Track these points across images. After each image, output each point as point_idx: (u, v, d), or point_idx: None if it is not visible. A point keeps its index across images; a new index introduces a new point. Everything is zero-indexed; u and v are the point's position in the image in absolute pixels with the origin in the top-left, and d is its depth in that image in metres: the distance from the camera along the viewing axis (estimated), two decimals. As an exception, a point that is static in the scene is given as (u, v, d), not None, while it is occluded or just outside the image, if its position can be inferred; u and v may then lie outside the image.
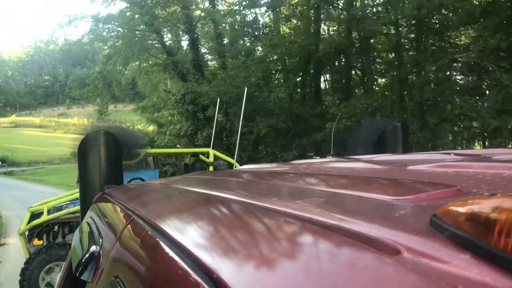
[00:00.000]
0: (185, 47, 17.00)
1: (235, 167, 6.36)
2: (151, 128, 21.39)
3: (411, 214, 0.57)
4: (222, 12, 14.67)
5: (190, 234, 0.71)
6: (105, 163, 2.91)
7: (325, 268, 0.44)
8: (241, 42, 14.55)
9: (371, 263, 0.42)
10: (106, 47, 18.78)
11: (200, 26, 15.42)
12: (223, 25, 14.41)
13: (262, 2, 13.79)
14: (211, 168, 6.72)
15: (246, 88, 7.61)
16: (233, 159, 7.09)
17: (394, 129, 3.82)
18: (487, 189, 0.68)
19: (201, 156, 7.49)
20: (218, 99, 8.23)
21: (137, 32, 15.99)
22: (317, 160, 2.02)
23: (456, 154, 1.38)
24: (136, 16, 15.21)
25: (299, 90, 13.85)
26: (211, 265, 0.49)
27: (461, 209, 0.42)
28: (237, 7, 13.96)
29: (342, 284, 0.39)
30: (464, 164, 0.97)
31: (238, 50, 14.03)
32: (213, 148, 7.33)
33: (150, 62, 18.14)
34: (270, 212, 0.67)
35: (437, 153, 1.50)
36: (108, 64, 17.99)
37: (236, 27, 13.73)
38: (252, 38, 13.91)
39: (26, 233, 6.20)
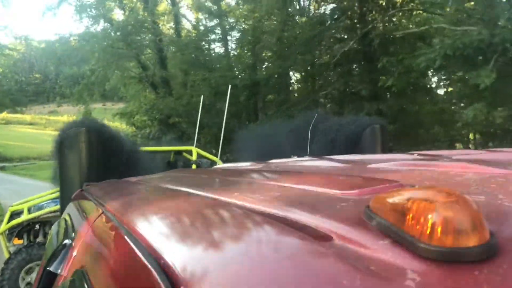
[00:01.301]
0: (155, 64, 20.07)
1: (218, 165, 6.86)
2: (130, 130, 24.45)
3: (351, 206, 0.62)
4: (182, 41, 17.66)
5: (150, 227, 0.72)
6: (86, 160, 3.05)
7: (262, 252, 0.50)
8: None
9: (303, 248, 0.48)
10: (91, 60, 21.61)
11: (166, 49, 18.50)
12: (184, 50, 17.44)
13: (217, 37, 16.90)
14: (194, 166, 6.67)
15: (230, 86, 7.65)
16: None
17: (372, 131, 4.09)
18: (428, 185, 0.77)
19: (184, 154, 7.46)
20: (202, 98, 8.43)
21: (117, 49, 18.91)
22: (293, 159, 2.07)
23: (420, 155, 1.51)
24: (117, 34, 18.16)
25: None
26: (164, 253, 0.54)
27: (387, 200, 0.48)
28: (193, 38, 16.97)
29: (274, 265, 0.44)
30: (418, 163, 1.07)
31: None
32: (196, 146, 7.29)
33: (126, 75, 21.13)
34: (226, 206, 0.74)
35: (403, 153, 1.66)
36: (94, 72, 20.97)
37: (193, 55, 16.71)
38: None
39: (6, 232, 6.17)
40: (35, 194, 17.09)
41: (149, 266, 0.52)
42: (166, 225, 0.71)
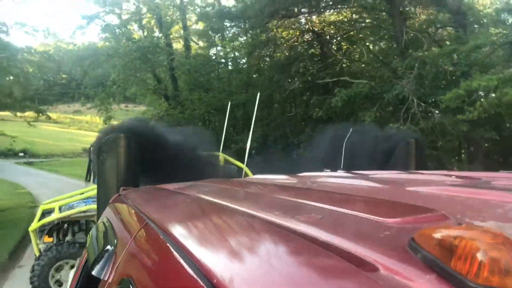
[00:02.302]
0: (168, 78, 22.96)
1: (244, 171, 6.50)
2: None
3: (395, 235, 0.61)
4: (190, 63, 20.41)
5: (197, 241, 0.74)
6: (123, 165, 3.29)
7: (309, 279, 0.49)
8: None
9: (349, 277, 0.47)
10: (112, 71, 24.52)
11: (176, 66, 21.34)
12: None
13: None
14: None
15: (258, 94, 7.61)
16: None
17: (407, 146, 4.12)
18: (470, 216, 0.77)
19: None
20: (229, 104, 8.47)
21: (136, 65, 21.76)
22: (325, 174, 2.04)
23: (457, 177, 1.47)
24: (136, 53, 21.07)
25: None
26: (213, 271, 0.54)
27: (433, 235, 0.47)
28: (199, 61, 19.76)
29: None
30: (458, 190, 1.05)
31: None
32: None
33: (143, 86, 24.04)
34: (271, 226, 0.72)
35: (440, 173, 1.65)
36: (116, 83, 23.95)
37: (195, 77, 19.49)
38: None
39: (37, 230, 6.31)
40: (58, 186, 20.36)
41: (200, 283, 0.54)
42: (217, 244, 0.71)
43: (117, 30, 22.61)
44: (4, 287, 6.89)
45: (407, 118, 10.44)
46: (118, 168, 3.25)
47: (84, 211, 6.19)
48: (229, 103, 8.50)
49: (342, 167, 2.68)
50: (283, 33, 15.87)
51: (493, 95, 8.92)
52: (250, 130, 6.74)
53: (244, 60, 17.61)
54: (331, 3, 15.15)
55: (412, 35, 12.48)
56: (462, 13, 11.10)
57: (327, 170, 2.22)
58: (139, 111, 31.12)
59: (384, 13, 14.42)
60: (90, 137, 56.94)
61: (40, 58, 25.20)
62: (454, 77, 10.41)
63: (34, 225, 6.28)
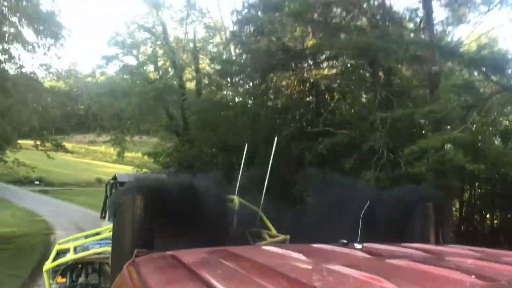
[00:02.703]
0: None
1: (259, 215, 6.48)
2: (155, 166, 28.80)
3: None
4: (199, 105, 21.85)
5: None
6: (139, 227, 3.26)
7: None
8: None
9: None
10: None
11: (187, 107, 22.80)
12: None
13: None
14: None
15: (276, 138, 7.64)
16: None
17: (423, 211, 3.70)
18: None
19: None
20: (246, 147, 8.24)
21: (150, 102, 23.25)
22: (344, 247, 1.90)
23: (493, 257, 1.48)
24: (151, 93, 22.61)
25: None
26: None
27: None
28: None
29: None
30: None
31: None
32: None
33: (156, 123, 25.47)
34: None
35: (471, 250, 1.64)
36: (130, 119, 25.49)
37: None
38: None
39: (51, 270, 6.25)
40: (72, 215, 21.47)
41: None
42: None
43: (134, 71, 24.29)
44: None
45: (378, 167, 11.67)
46: (133, 229, 3.22)
47: (99, 253, 6.16)
48: (246, 145, 8.32)
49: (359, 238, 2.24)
50: (282, 82, 17.51)
51: (438, 153, 10.34)
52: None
53: (249, 104, 19.02)
54: (323, 59, 16.96)
55: (389, 92, 13.92)
56: (434, 74, 12.52)
57: (343, 240, 2.11)
58: (152, 143, 32.55)
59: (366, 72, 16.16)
60: (104, 168, 58.67)
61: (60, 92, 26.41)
62: (423, 131, 11.86)
63: (49, 265, 6.25)
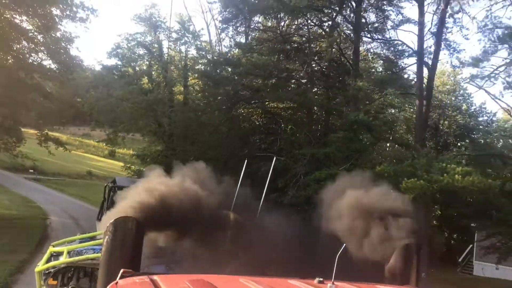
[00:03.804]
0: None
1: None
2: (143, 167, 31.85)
3: None
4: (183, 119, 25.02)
5: None
6: (128, 247, 3.37)
7: None
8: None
9: None
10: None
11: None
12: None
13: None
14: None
15: (274, 158, 7.84)
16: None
17: (407, 251, 3.64)
18: None
19: None
20: (246, 162, 8.12)
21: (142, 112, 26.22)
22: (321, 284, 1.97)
23: None
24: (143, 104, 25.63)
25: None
26: None
27: None
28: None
29: None
30: None
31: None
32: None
33: (146, 128, 28.42)
34: None
35: None
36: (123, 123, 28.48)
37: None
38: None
39: (43, 271, 6.33)
40: (63, 204, 24.58)
41: None
42: None
43: (130, 81, 27.42)
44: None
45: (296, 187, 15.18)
46: (122, 249, 3.29)
47: (92, 259, 6.19)
48: (246, 160, 8.11)
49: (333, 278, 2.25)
50: (247, 111, 21.13)
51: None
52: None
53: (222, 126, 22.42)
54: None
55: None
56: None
57: (320, 279, 2.16)
58: (144, 140, 34.81)
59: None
60: (95, 161, 61.02)
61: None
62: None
63: (41, 266, 6.32)
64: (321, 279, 2.19)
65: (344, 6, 20.99)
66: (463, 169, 12.94)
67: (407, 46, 22.23)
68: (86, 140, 76.85)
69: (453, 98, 32.61)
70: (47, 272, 6.35)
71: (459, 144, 31.58)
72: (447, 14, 20.06)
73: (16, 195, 29.18)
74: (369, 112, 18.64)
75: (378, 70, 25.01)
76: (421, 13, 20.07)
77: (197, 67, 27.32)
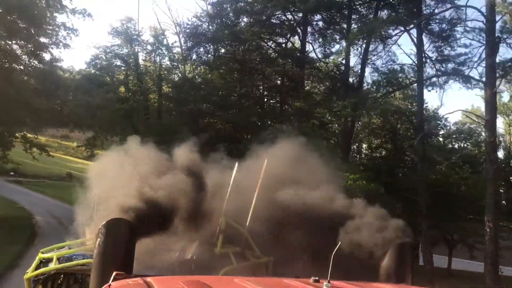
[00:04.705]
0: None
1: (244, 235, 6.23)
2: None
3: None
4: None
5: None
6: (121, 250, 3.41)
7: None
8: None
9: None
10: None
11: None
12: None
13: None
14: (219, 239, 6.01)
15: (266, 160, 6.81)
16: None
17: (401, 249, 3.73)
18: None
19: None
20: (236, 166, 7.14)
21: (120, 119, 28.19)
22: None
23: None
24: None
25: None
26: None
27: None
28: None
29: None
30: None
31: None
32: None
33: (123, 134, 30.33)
34: None
35: None
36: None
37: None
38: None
39: (32, 278, 6.20)
40: (46, 206, 26.55)
41: None
42: None
43: (108, 90, 29.43)
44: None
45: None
46: (114, 251, 3.29)
47: (82, 265, 6.09)
48: (236, 164, 7.13)
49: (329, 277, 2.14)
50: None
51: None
52: None
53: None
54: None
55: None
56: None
57: (316, 278, 2.18)
58: (122, 143, 36.12)
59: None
60: (74, 163, 61.83)
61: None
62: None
63: (30, 273, 6.26)
64: (317, 278, 2.20)
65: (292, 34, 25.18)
66: (354, 176, 16.22)
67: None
68: (65, 142, 76.57)
69: (408, 105, 35.28)
70: (36, 279, 6.29)
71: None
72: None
73: (0, 197, 30.58)
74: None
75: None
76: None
77: (170, 77, 29.52)
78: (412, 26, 22.45)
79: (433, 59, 24.42)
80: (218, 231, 6.20)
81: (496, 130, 22.87)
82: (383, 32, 23.61)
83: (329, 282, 2.03)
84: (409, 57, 25.27)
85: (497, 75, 20.20)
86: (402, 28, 23.31)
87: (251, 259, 6.14)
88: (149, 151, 6.51)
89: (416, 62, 23.34)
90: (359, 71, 26.46)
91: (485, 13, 19.42)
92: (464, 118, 41.46)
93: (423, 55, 23.47)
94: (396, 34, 24.69)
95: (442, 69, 24.41)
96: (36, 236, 16.20)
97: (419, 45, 22.67)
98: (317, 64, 26.73)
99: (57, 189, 41.45)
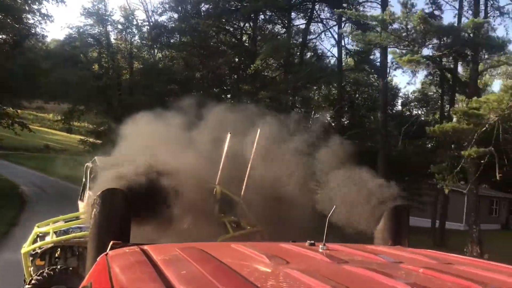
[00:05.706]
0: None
1: (240, 206, 6.44)
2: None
3: None
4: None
5: None
6: (116, 219, 3.38)
7: None
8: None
9: None
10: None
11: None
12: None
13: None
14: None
15: (229, 134, 6.99)
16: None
17: (398, 211, 3.88)
18: None
19: None
20: (229, 135, 7.32)
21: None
22: (312, 247, 2.05)
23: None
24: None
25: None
26: None
27: None
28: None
29: None
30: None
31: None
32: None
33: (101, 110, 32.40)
34: None
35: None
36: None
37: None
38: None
39: (29, 252, 6.29)
40: (28, 177, 28.98)
41: None
42: None
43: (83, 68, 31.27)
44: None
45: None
46: (111, 221, 3.28)
47: (79, 237, 6.09)
48: (229, 134, 7.29)
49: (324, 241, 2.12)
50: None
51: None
52: None
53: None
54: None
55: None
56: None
57: (312, 242, 2.15)
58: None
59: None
60: (51, 135, 62.47)
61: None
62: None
63: (28, 247, 6.22)
64: (312, 241, 2.19)
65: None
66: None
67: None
68: (41, 114, 76.26)
69: (365, 78, 38.16)
70: (33, 253, 6.30)
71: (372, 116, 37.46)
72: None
73: (-17, 170, 31.82)
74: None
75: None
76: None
77: (141, 55, 31.61)
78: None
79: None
80: (213, 200, 6.31)
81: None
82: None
83: (324, 245, 2.09)
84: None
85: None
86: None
87: (247, 228, 6.41)
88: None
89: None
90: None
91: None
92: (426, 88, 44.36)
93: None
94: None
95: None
96: (26, 204, 18.45)
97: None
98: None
99: (36, 160, 43.45)
